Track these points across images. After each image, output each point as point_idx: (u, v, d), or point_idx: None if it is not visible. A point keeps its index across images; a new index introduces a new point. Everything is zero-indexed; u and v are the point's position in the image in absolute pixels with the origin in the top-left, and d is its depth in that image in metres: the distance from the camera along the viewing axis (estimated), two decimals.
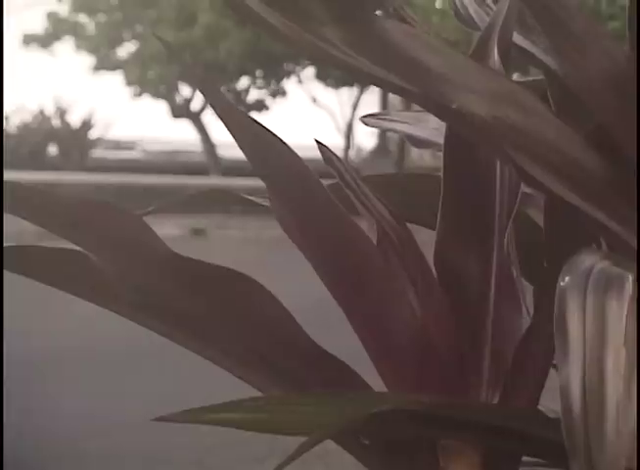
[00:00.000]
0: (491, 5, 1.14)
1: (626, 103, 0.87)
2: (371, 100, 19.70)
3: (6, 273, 0.96)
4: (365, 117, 1.31)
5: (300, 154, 0.96)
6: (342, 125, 19.53)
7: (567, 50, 0.91)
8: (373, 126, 1.30)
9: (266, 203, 1.08)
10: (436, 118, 1.09)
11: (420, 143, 1.23)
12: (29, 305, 5.10)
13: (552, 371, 0.93)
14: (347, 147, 19.29)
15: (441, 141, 1.07)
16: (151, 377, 4.30)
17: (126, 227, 0.96)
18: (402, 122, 1.27)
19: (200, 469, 3.29)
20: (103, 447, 3.41)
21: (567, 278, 0.69)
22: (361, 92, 19.05)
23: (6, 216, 0.93)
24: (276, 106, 19.98)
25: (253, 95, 19.35)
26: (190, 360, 1.20)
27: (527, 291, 1.04)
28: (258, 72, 18.67)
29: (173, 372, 3.98)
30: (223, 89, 16.75)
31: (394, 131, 1.34)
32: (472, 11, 1.15)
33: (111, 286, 0.96)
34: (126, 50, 18.93)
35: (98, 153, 20.05)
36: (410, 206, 1.15)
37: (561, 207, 0.92)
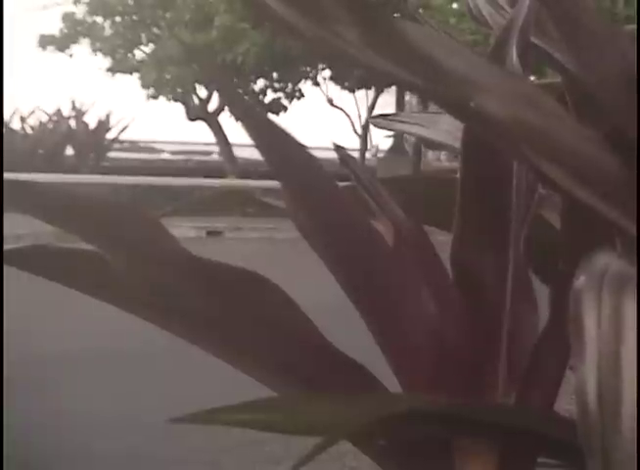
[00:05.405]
0: (505, 6, 1.14)
1: None
2: (388, 101, 19.69)
3: (23, 274, 0.96)
4: (376, 117, 1.30)
5: (317, 155, 0.96)
6: (359, 127, 19.52)
7: (584, 51, 0.91)
8: (384, 128, 1.30)
9: (282, 204, 1.08)
10: (449, 120, 1.09)
11: (432, 145, 1.23)
12: (44, 306, 5.12)
13: (567, 372, 0.93)
14: (364, 148, 19.28)
15: (454, 144, 1.07)
16: (165, 378, 4.30)
17: (142, 228, 0.96)
18: (414, 124, 1.27)
19: None
20: (117, 449, 3.42)
21: (582, 278, 0.69)
22: (378, 94, 19.04)
23: (22, 217, 0.93)
24: (293, 107, 19.96)
25: (270, 97, 19.36)
26: (204, 361, 1.20)
27: (543, 291, 1.04)
28: (275, 74, 18.67)
29: (188, 373, 3.98)
30: (240, 91, 16.75)
31: (405, 133, 1.34)
32: (485, 12, 1.14)
33: (126, 287, 0.96)
34: (143, 52, 18.97)
35: (114, 154, 20.10)
36: (426, 207, 1.15)
37: (578, 208, 0.92)
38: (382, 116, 1.31)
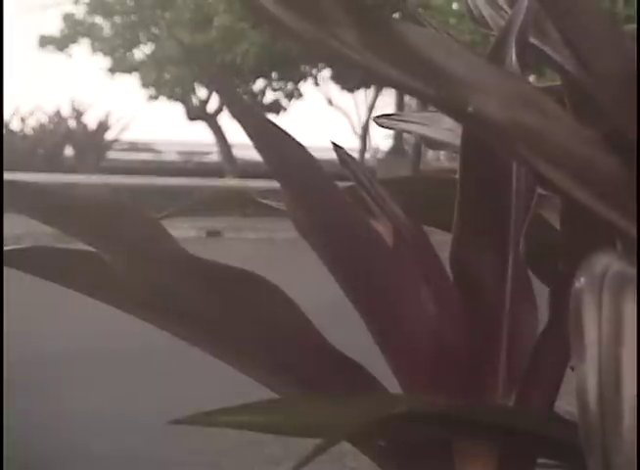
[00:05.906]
0: (505, 7, 1.14)
1: None
2: (387, 102, 19.71)
3: (21, 275, 0.96)
4: (379, 117, 1.30)
5: (317, 155, 0.96)
6: (358, 127, 19.55)
7: (583, 50, 0.91)
8: (387, 127, 1.30)
9: (281, 205, 1.08)
10: (451, 119, 1.09)
11: (434, 144, 1.23)
12: (44, 307, 5.12)
13: (568, 373, 0.93)
14: (364, 148, 19.30)
15: (456, 142, 1.07)
16: (165, 379, 4.30)
17: (141, 229, 0.96)
18: (416, 123, 1.27)
19: None
20: (116, 450, 3.42)
21: (582, 279, 0.69)
22: (377, 94, 19.05)
23: (22, 218, 0.93)
24: (292, 108, 19.96)
25: (269, 97, 19.37)
26: (204, 362, 1.20)
27: (543, 292, 1.04)
28: (274, 74, 18.68)
29: (187, 374, 3.99)
30: (239, 91, 16.76)
31: (408, 132, 1.34)
32: (485, 13, 1.14)
33: (125, 287, 0.96)
34: (142, 52, 18.98)
35: (114, 154, 20.12)
36: (426, 207, 1.15)
37: (577, 209, 0.91)
38: (385, 115, 1.31)
